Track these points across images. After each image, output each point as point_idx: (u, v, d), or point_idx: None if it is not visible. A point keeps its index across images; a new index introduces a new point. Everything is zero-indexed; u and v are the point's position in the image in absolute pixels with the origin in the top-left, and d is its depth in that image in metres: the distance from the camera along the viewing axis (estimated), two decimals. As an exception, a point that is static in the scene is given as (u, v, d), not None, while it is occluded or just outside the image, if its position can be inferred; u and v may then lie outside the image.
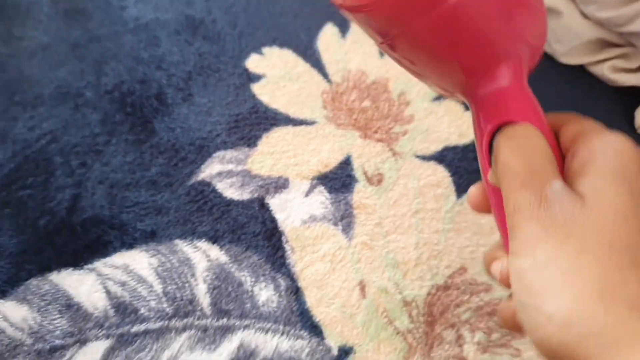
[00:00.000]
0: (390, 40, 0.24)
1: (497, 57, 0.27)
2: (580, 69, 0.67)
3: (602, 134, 0.23)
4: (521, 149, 0.23)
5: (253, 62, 0.58)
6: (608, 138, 0.23)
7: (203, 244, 0.46)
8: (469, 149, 0.57)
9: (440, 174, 0.56)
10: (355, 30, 0.62)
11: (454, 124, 0.58)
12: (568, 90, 0.65)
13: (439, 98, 0.60)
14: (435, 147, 0.57)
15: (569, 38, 0.66)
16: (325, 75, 0.59)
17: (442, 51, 0.26)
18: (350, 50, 0.61)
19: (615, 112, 0.65)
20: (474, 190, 0.30)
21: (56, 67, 0.52)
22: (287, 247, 0.47)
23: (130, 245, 0.45)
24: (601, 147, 0.22)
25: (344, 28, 0.62)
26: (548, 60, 0.67)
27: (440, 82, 0.29)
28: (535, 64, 0.30)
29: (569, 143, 0.25)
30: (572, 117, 0.26)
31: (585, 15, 0.64)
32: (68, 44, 0.54)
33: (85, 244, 0.45)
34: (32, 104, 0.50)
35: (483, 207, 0.29)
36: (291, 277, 0.46)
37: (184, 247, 0.46)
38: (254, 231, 0.47)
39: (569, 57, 0.68)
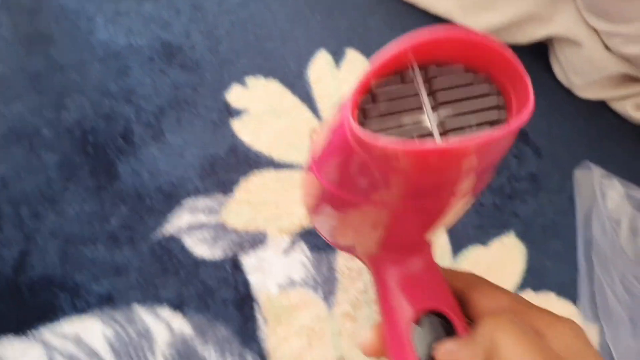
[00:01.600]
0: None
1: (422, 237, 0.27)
2: (600, 105, 0.61)
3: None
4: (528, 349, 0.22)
5: (235, 95, 0.52)
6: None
7: (165, 312, 0.41)
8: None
9: (438, 227, 0.50)
10: (352, 58, 0.56)
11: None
12: (585, 126, 0.59)
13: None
14: (433, 194, 0.51)
15: (588, 71, 0.60)
16: (315, 110, 0.53)
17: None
18: (345, 81, 0.55)
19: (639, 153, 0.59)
20: (370, 334, 0.30)
21: (11, 101, 0.46)
22: (259, 317, 0.42)
23: (82, 310, 0.41)
24: None
25: (338, 56, 0.56)
26: (564, 93, 0.61)
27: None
28: None
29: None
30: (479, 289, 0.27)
31: (608, 48, 0.58)
32: (27, 74, 0.48)
33: (31, 308, 0.40)
34: (-18, 141, 0.45)
35: (381, 352, 0.29)
36: (261, 355, 0.41)
37: (143, 315, 0.41)
38: (224, 298, 0.42)
39: (588, 92, 0.62)
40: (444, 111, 0.21)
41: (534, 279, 0.48)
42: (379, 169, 0.21)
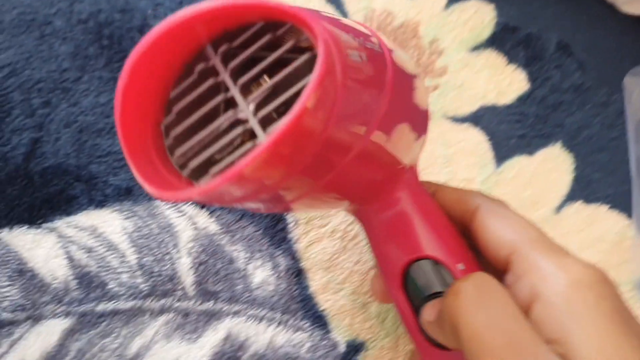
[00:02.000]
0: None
1: (384, 187, 0.26)
2: (645, 23, 0.57)
3: (548, 256, 0.22)
4: (489, 317, 0.20)
5: (259, -6, 0.48)
6: (559, 266, 0.21)
7: (189, 208, 0.38)
8: (511, 110, 0.47)
9: (475, 139, 0.47)
10: (383, -38, 0.52)
11: (494, 80, 0.49)
12: (631, 42, 0.55)
13: (477, 49, 0.50)
14: (470, 106, 0.48)
15: (634, -15, 0.56)
16: (344, 14, 0.49)
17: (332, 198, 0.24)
18: (376, -15, 0.51)
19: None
20: (375, 282, 0.30)
21: (19, -13, 0.43)
22: (289, 218, 0.39)
23: (100, 203, 0.37)
24: (561, 285, 0.21)
25: (369, -41, 0.51)
26: (607, 9, 0.57)
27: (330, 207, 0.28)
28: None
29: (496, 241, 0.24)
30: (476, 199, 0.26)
31: (658, -43, 0.54)
32: (35, -41, 0.44)
33: (44, 198, 0.37)
34: (-11, 29, 0.41)
35: (388, 299, 0.28)
36: (293, 256, 0.37)
37: (166, 210, 0.38)
38: (250, 195, 0.39)
39: (633, 6, 0.58)
40: (255, 94, 0.18)
41: (583, 190, 0.44)
42: (246, 194, 0.18)
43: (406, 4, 0.51)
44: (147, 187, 0.17)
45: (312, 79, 0.15)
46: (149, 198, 0.38)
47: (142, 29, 0.44)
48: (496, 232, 0.25)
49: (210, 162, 0.19)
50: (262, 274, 0.37)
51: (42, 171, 0.37)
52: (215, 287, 0.36)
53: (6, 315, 0.33)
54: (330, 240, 0.39)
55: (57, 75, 0.41)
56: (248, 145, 0.18)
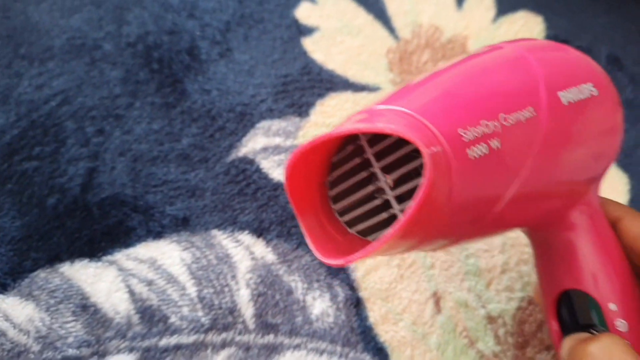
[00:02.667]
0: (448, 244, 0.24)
1: (563, 207, 0.26)
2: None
3: None
4: None
5: (304, 12, 0.47)
6: None
7: (246, 237, 0.38)
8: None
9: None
10: (429, -26, 0.50)
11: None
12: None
13: (528, 63, 0.49)
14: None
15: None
16: (391, 29, 0.48)
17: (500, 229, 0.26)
18: (422, -1, 0.50)
19: None
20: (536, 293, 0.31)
21: (69, 14, 0.42)
22: (346, 245, 0.38)
23: (158, 234, 0.37)
24: None
25: (415, -28, 0.50)
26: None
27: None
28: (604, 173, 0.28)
29: None
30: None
31: None
32: (83, -17, 0.44)
33: (103, 230, 0.37)
34: (40, 58, 0.41)
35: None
36: (350, 285, 0.37)
37: (223, 240, 0.38)
38: (306, 224, 0.39)
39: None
40: (389, 180, 0.22)
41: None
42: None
43: (453, 17, 0.50)
44: (312, 247, 0.22)
45: (415, 199, 0.19)
46: (206, 228, 0.38)
47: (191, 51, 0.43)
48: None
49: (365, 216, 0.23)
50: (321, 305, 0.36)
51: (99, 202, 0.37)
52: (275, 320, 0.35)
53: (72, 352, 0.33)
54: (387, 269, 0.38)
55: (109, 102, 0.40)
56: (383, 215, 0.22)
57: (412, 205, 0.19)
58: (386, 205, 0.22)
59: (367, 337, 0.36)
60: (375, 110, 0.21)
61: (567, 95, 0.24)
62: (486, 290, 0.38)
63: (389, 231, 0.19)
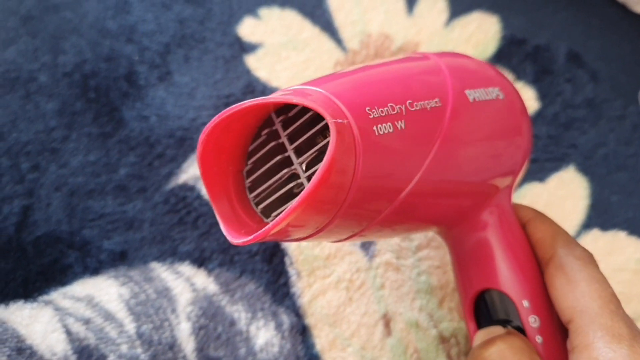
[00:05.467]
0: (360, 233, 0.24)
1: (472, 207, 0.27)
2: (661, 22, 0.53)
3: (604, 340, 0.22)
4: None
5: (247, 28, 0.46)
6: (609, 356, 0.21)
7: (186, 269, 0.37)
8: (521, 131, 0.45)
9: (484, 165, 0.44)
10: (376, -19, 0.49)
11: (502, 100, 0.46)
12: (645, 47, 0.51)
13: (482, 67, 0.48)
14: (477, 129, 0.45)
15: (648, -17, 0.52)
16: (338, 41, 0.47)
17: (413, 223, 0.27)
18: (370, 7, 0.49)
19: None
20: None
21: (4, 47, 0.41)
22: (291, 271, 0.37)
23: (95, 270, 0.36)
24: None
25: (361, -21, 0.49)
26: (619, 12, 0.53)
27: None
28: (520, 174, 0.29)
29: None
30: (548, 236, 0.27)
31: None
32: (19, 16, 0.43)
33: (38, 270, 0.36)
34: (-27, 91, 0.40)
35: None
36: (296, 312, 0.36)
37: (162, 272, 0.37)
38: (249, 250, 0.38)
39: (647, 7, 0.54)
40: (304, 156, 0.22)
41: (599, 216, 0.42)
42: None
43: (404, 24, 0.49)
44: (224, 229, 0.22)
45: (321, 168, 0.19)
46: (145, 261, 0.37)
47: (129, 77, 0.42)
48: (559, 293, 0.25)
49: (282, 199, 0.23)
50: (265, 335, 0.35)
51: (34, 241, 0.36)
52: (217, 353, 0.34)
53: (7, 397, 0.33)
54: (335, 292, 0.37)
55: (45, 136, 0.40)
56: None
57: (318, 173, 0.19)
58: (301, 190, 0.22)
59: (313, 366, 0.35)
60: (286, 89, 0.22)
61: (473, 94, 0.25)
62: (438, 308, 0.37)
63: (294, 202, 0.19)
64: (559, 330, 0.26)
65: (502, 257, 0.27)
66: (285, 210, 0.20)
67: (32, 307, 0.35)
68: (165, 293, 0.36)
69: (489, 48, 0.49)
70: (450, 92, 0.24)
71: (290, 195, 0.23)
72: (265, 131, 0.24)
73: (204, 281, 0.36)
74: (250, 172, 0.24)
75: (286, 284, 0.37)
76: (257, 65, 0.45)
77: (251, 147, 0.24)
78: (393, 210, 0.23)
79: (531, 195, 0.42)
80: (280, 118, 0.23)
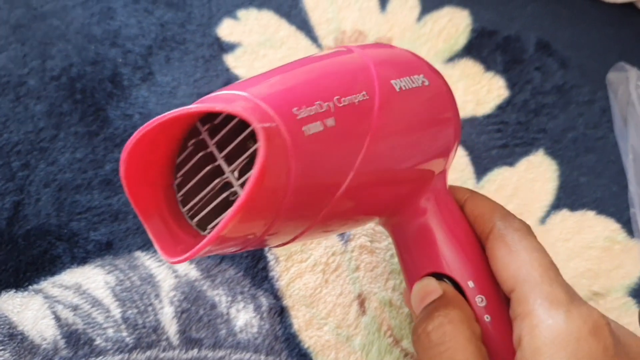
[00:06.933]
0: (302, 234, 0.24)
1: (410, 194, 0.28)
2: (630, 8, 0.55)
3: (543, 307, 0.23)
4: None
5: (226, 29, 0.48)
6: (556, 322, 0.22)
7: (169, 256, 0.39)
8: (490, 119, 0.47)
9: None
10: (350, -19, 0.51)
11: (471, 90, 0.48)
12: (614, 33, 0.53)
13: (452, 59, 0.50)
14: (450, 119, 0.47)
15: (614, -27, 0.54)
16: (314, 38, 0.49)
17: (353, 215, 0.26)
18: (344, 6, 0.51)
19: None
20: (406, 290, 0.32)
21: (-7, 53, 0.44)
22: (269, 256, 0.39)
23: (82, 260, 0.38)
24: (551, 340, 0.22)
25: (335, -21, 0.51)
26: (589, 0, 0.55)
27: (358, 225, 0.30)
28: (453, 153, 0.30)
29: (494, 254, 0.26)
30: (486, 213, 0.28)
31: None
32: (9, 25, 0.45)
33: (28, 260, 0.38)
34: (-33, 96, 0.43)
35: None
36: (275, 295, 0.38)
37: (146, 260, 0.38)
38: (229, 237, 0.39)
39: (615, -4, 0.56)
40: (236, 164, 0.22)
41: (568, 197, 0.43)
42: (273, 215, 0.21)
43: (377, 20, 0.51)
44: (158, 247, 0.22)
45: (252, 174, 0.19)
46: (129, 250, 0.39)
47: (114, 78, 0.45)
48: (500, 264, 0.25)
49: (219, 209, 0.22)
50: (244, 317, 0.37)
51: (25, 234, 0.39)
52: (199, 334, 0.36)
53: (0, 380, 0.35)
54: (311, 275, 0.39)
55: (34, 136, 0.42)
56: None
57: (250, 180, 0.18)
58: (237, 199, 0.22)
59: (291, 344, 0.36)
60: (209, 96, 0.22)
61: (399, 83, 0.25)
62: (411, 288, 0.39)
63: (230, 211, 0.19)
64: (505, 307, 0.26)
65: (444, 240, 0.27)
66: (222, 220, 0.19)
67: (23, 296, 0.37)
68: (149, 280, 0.38)
69: (460, 41, 0.51)
70: (377, 84, 0.24)
71: (226, 205, 0.22)
72: (192, 142, 0.23)
73: (186, 267, 0.38)
74: (181, 185, 0.23)
75: (265, 268, 0.39)
76: (236, 63, 0.47)
77: (179, 160, 0.24)
78: (333, 206, 0.23)
79: (501, 179, 0.44)
80: (207, 127, 0.22)
